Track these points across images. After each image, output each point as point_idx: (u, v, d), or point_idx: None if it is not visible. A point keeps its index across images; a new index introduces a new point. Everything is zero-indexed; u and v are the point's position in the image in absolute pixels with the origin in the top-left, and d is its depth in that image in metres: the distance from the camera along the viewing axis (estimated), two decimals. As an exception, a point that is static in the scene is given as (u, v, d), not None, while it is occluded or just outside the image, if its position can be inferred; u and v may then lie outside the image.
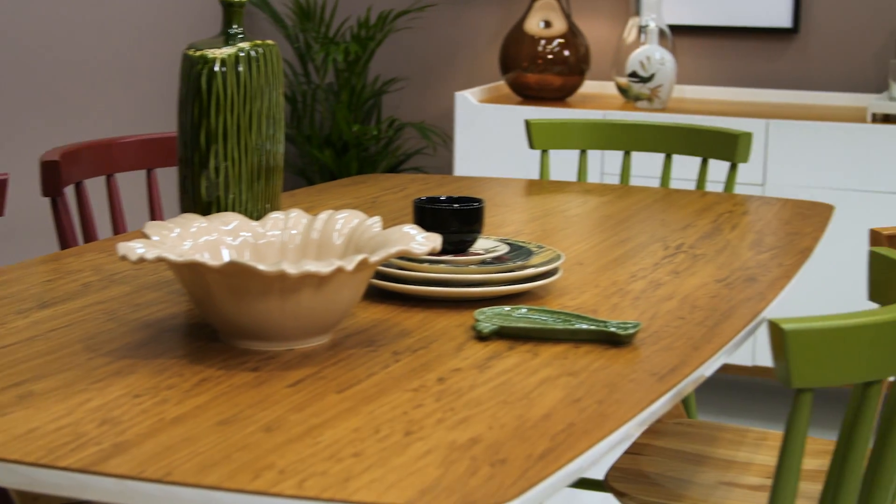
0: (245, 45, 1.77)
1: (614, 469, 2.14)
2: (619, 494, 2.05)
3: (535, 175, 3.88)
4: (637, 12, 4.05)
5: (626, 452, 2.21)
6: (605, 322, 1.63)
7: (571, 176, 3.85)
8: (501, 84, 4.29)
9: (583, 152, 2.97)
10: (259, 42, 1.79)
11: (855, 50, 4.07)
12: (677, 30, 4.22)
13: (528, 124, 2.99)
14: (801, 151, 3.67)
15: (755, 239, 2.27)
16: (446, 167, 4.56)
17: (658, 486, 2.07)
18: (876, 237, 1.93)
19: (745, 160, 2.84)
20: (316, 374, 1.47)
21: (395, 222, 2.35)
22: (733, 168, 2.84)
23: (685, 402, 2.72)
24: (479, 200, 1.90)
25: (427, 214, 1.87)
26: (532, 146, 2.99)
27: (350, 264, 1.48)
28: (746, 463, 2.17)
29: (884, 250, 1.62)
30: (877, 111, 3.70)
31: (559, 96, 4.11)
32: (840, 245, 3.65)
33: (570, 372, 1.50)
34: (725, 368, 3.89)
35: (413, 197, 2.59)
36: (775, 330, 1.26)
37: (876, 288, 1.64)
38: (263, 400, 1.38)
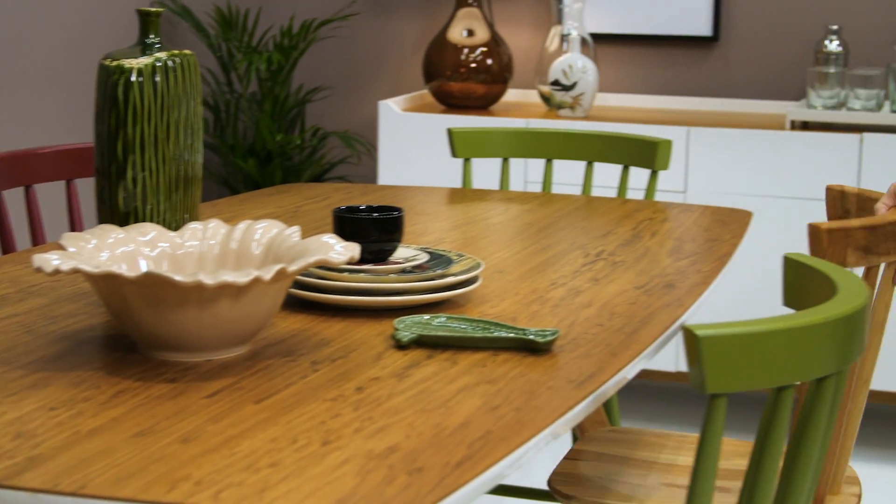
0: (162, 55, 1.76)
1: (556, 474, 2.16)
2: (565, 498, 2.07)
3: (458, 183, 3.89)
4: (559, 21, 4.07)
5: (565, 458, 2.23)
6: (524, 330, 1.64)
7: (495, 184, 3.86)
8: (425, 93, 4.30)
9: (505, 160, 2.99)
10: (176, 52, 1.78)
11: (774, 58, 4.12)
12: (599, 38, 4.25)
13: (450, 133, 3.00)
14: (722, 158, 3.71)
15: (674, 246, 2.29)
16: (371, 176, 4.56)
17: (602, 489, 2.10)
18: (815, 232, 1.94)
19: (664, 167, 2.87)
20: (234, 384, 1.47)
21: (317, 232, 2.35)
22: (653, 175, 2.87)
23: (608, 408, 2.74)
24: (398, 209, 1.91)
25: (346, 224, 1.87)
26: (454, 154, 3.00)
27: (268, 274, 1.48)
28: (684, 466, 2.21)
29: (798, 256, 1.64)
30: (795, 118, 3.74)
31: (482, 105, 4.12)
32: (759, 251, 3.68)
33: (488, 380, 1.50)
34: (650, 375, 3.91)
35: (336, 206, 2.59)
36: (689, 336, 1.28)
37: (790, 293, 1.66)
38: (180, 411, 1.37)
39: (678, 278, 2.04)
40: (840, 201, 2.47)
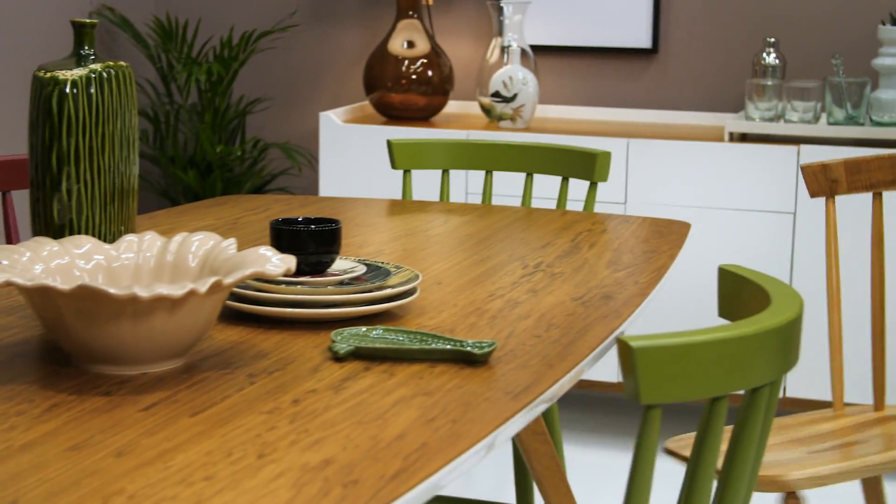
0: (97, 66, 1.75)
1: (673, 441, 2.46)
2: (683, 459, 2.40)
3: (399, 195, 3.89)
4: (499, 33, 4.08)
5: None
6: (461, 341, 1.64)
7: (435, 195, 3.87)
8: (366, 104, 4.30)
9: (445, 172, 2.99)
10: (111, 63, 1.77)
11: (712, 70, 4.15)
12: (539, 50, 4.26)
13: (389, 144, 3.00)
14: (662, 170, 3.73)
15: (613, 257, 2.30)
16: (312, 187, 4.55)
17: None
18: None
19: (603, 179, 2.88)
20: (169, 397, 1.46)
21: (256, 244, 2.34)
22: (592, 187, 2.88)
23: (548, 419, 2.74)
24: (335, 221, 1.90)
25: (284, 236, 1.87)
26: (394, 166, 3.00)
27: (203, 287, 1.48)
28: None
29: (733, 267, 1.65)
30: (734, 130, 3.77)
31: (423, 116, 4.13)
32: (698, 262, 3.71)
33: (425, 392, 1.50)
34: (591, 385, 3.93)
35: (275, 218, 2.59)
36: (623, 347, 1.28)
37: (725, 304, 1.67)
38: (115, 425, 1.37)
39: (616, 290, 2.05)
40: (823, 174, 2.58)
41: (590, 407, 4.18)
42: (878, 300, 2.69)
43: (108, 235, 1.80)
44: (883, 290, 2.68)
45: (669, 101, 4.21)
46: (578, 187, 3.78)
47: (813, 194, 2.67)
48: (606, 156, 2.88)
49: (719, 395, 1.37)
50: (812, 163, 2.67)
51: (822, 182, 2.67)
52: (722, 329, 1.35)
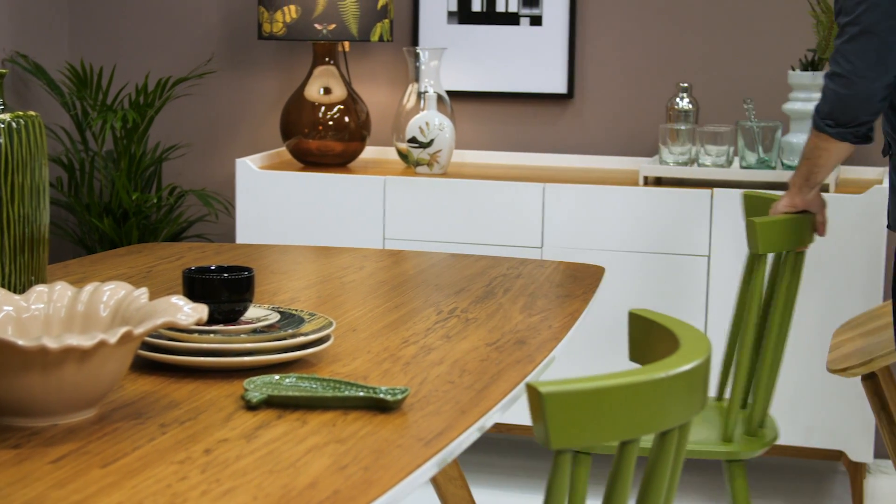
0: (6, 116, 1.75)
1: None
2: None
3: (319, 242, 3.89)
4: (416, 78, 4.10)
5: None
6: (374, 388, 1.65)
7: (356, 242, 3.87)
8: (283, 150, 4.30)
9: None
10: (21, 113, 1.76)
11: (627, 115, 4.20)
12: (456, 95, 4.29)
13: None
14: (578, 214, 3.76)
15: (527, 302, 2.31)
16: (229, 234, 4.54)
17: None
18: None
19: None
20: (80, 449, 1.45)
21: (169, 292, 2.33)
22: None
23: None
24: (248, 269, 1.90)
25: (196, 284, 1.87)
26: None
27: (113, 337, 1.47)
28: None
29: (642, 311, 1.67)
30: (648, 174, 3.81)
31: (341, 162, 4.13)
32: (613, 305, 3.73)
33: (338, 439, 1.50)
34: (510, 429, 3.93)
35: (189, 266, 2.58)
36: (533, 393, 1.29)
37: (635, 348, 1.68)
38: (24, 477, 1.35)
39: (529, 334, 2.06)
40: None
41: (507, 450, 4.18)
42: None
43: (19, 286, 1.78)
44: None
45: (585, 146, 4.24)
46: (499, 230, 3.79)
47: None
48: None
49: (629, 439, 1.38)
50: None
51: None
52: (630, 374, 1.36)
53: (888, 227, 2.72)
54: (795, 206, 2.82)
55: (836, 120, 2.62)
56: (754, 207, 3.01)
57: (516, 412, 3.86)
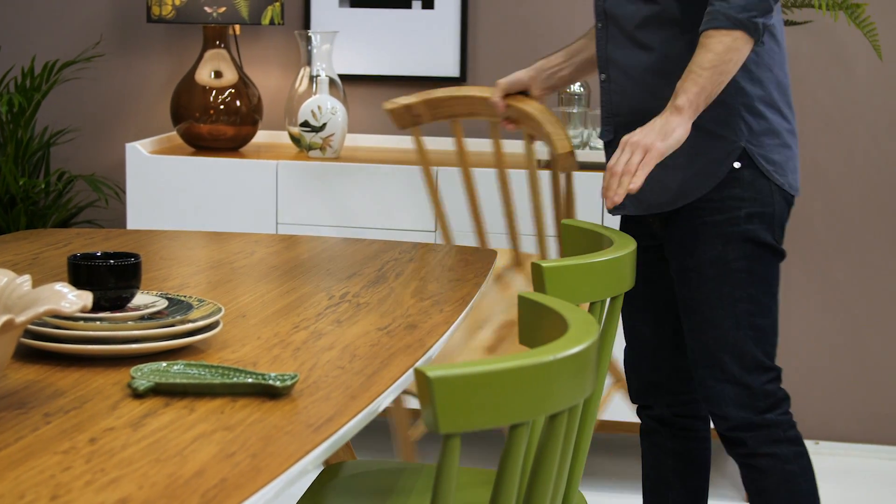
0: None
1: None
2: None
3: (210, 227, 3.86)
4: (308, 62, 4.08)
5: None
6: (263, 375, 1.63)
7: (251, 226, 3.84)
8: (174, 135, 4.25)
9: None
10: None
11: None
12: (348, 79, 4.27)
13: None
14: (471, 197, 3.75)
15: (418, 286, 2.31)
16: (120, 220, 4.48)
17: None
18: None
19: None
20: (-40, 440, 1.42)
21: (55, 279, 2.29)
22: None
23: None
24: (135, 256, 1.88)
25: (82, 271, 1.84)
26: None
27: (-6, 325, 1.44)
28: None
29: (531, 294, 1.67)
30: (542, 157, 3.82)
31: (233, 146, 4.10)
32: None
33: (226, 426, 1.49)
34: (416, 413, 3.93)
35: (77, 252, 2.54)
36: (420, 377, 1.29)
37: (525, 331, 1.69)
38: None
39: (420, 319, 2.06)
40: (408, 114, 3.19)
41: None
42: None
43: None
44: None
45: (478, 129, 4.25)
46: (399, 211, 3.79)
47: (401, 127, 3.21)
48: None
49: (518, 423, 1.39)
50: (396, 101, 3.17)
51: (406, 116, 3.20)
52: (518, 357, 1.36)
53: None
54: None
55: (760, 10, 2.35)
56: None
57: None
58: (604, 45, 2.62)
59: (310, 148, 3.93)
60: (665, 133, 2.35)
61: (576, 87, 3.94)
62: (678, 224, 2.55)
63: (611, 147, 2.64)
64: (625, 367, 2.79)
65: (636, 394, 2.77)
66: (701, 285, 2.51)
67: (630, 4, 2.54)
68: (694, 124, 2.40)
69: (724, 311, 2.50)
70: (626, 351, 2.77)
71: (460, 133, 3.27)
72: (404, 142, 4.24)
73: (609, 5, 2.59)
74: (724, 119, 2.48)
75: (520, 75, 3.00)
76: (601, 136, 2.67)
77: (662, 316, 2.68)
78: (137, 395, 1.60)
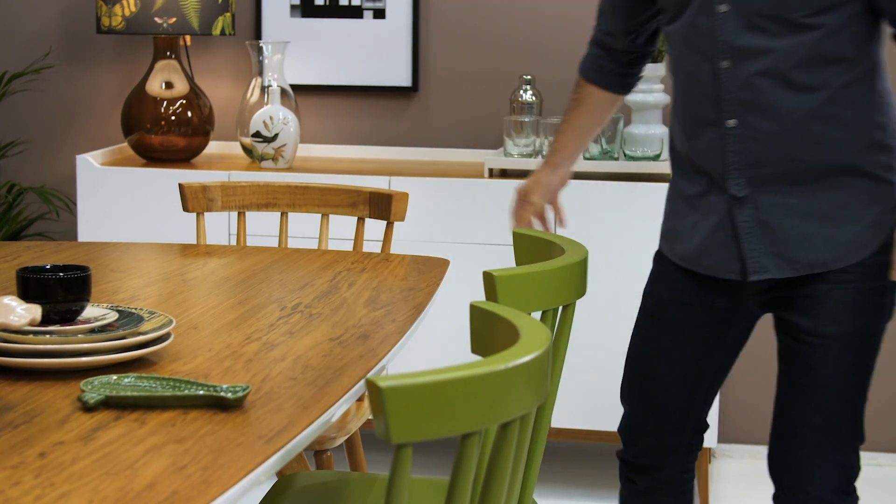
0: None
1: None
2: None
3: (162, 238, 3.84)
4: (259, 72, 4.07)
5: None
6: (215, 387, 1.63)
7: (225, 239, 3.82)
8: (125, 146, 4.23)
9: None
10: None
11: (472, 108, 4.21)
12: (300, 89, 4.26)
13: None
14: (424, 207, 3.76)
15: (371, 296, 2.31)
16: (71, 232, 4.45)
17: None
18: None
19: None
20: None
21: (4, 293, 2.27)
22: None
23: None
24: (85, 268, 1.87)
25: (31, 284, 1.83)
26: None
27: (-59, 340, 1.43)
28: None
29: (483, 303, 1.67)
30: (493, 166, 3.83)
31: (184, 157, 4.08)
32: (458, 298, 3.74)
33: (177, 439, 1.48)
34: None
35: (26, 265, 2.52)
36: (372, 388, 1.29)
37: (476, 340, 1.69)
38: None
39: (373, 329, 2.06)
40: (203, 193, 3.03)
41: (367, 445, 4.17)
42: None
43: None
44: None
45: (430, 139, 4.25)
46: (341, 225, 3.78)
47: (190, 210, 3.04)
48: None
49: (471, 432, 1.39)
50: (192, 182, 3.04)
51: (201, 199, 3.07)
52: (470, 366, 1.36)
53: None
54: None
55: None
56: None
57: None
58: (734, 87, 2.25)
59: (262, 158, 3.92)
60: None
61: (527, 96, 3.95)
62: (817, 287, 2.27)
63: (743, 204, 2.28)
64: (632, 429, 2.51)
65: (644, 454, 2.49)
66: (841, 357, 2.27)
67: (777, 39, 2.20)
68: (860, 171, 2.23)
69: (858, 386, 2.30)
70: (639, 409, 2.49)
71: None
72: (356, 151, 4.24)
73: (739, 40, 2.23)
74: (889, 163, 2.26)
75: (545, 183, 2.81)
76: (732, 191, 2.28)
77: (706, 376, 2.45)
78: (88, 408, 1.59)
